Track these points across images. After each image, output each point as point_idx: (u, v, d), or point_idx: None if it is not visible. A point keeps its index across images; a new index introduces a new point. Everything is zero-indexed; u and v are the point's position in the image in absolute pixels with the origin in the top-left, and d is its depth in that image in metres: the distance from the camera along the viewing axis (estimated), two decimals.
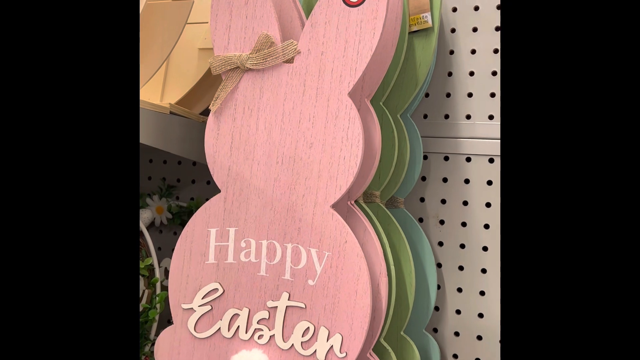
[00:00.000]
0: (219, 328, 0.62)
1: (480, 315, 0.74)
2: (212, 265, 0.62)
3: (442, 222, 0.75)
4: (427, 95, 0.75)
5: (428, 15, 0.67)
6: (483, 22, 0.72)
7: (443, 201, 0.75)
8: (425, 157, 0.75)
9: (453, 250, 0.74)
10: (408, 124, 0.70)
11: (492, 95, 0.72)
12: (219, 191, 0.63)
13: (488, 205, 0.73)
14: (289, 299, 0.59)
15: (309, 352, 0.58)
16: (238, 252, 0.62)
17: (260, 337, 0.60)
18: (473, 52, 0.73)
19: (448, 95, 0.74)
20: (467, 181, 0.74)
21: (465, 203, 0.74)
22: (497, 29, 0.72)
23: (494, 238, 0.72)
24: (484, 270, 0.73)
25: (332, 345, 0.57)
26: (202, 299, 0.62)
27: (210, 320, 0.62)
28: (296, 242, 0.59)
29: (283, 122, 0.60)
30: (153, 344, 0.72)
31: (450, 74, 0.74)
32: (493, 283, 0.73)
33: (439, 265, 0.75)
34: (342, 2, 0.57)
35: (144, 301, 0.73)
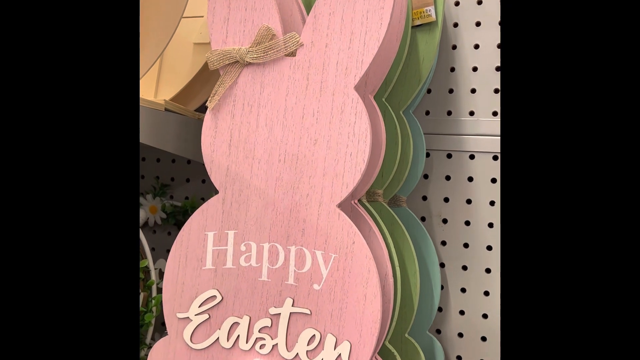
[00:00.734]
0: (218, 338, 0.59)
1: (485, 316, 0.72)
2: (209, 271, 0.59)
3: (445, 221, 0.73)
4: (429, 91, 0.73)
5: (432, 8, 0.65)
6: (486, 17, 0.70)
7: (446, 199, 0.73)
8: (427, 155, 0.73)
9: (456, 249, 0.73)
10: (411, 120, 0.68)
11: (496, 91, 0.70)
12: (214, 190, 0.60)
13: (492, 203, 0.71)
14: (293, 305, 0.56)
15: None
16: (237, 256, 0.59)
17: (262, 346, 0.57)
18: (476, 47, 0.71)
19: (451, 91, 0.72)
20: (470, 179, 0.72)
21: (468, 201, 0.72)
22: (500, 23, 0.70)
23: (498, 237, 0.71)
24: (488, 270, 0.72)
25: (340, 354, 0.54)
26: (199, 307, 0.59)
27: (207, 330, 0.59)
28: (300, 245, 0.57)
29: (285, 119, 0.57)
30: (149, 348, 0.69)
31: (453, 70, 0.72)
32: (497, 283, 0.71)
33: (442, 265, 0.74)
34: None
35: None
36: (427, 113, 0.74)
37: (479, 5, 0.71)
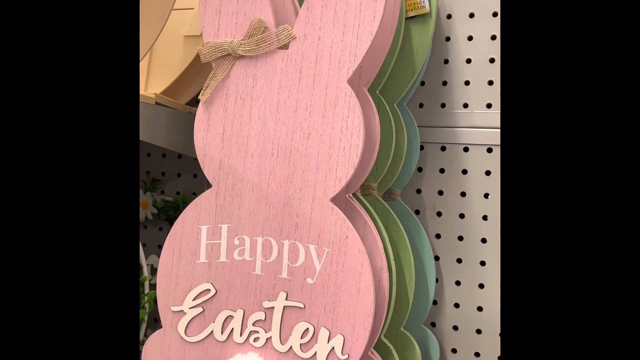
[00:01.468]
0: (212, 331, 0.58)
1: (480, 309, 0.72)
2: (203, 265, 0.59)
3: (439, 214, 0.73)
4: (422, 83, 0.73)
5: (426, 0, 0.65)
6: (480, 8, 0.70)
7: (440, 192, 0.73)
8: (421, 148, 0.73)
9: (451, 242, 0.73)
10: (405, 113, 0.68)
11: (490, 83, 0.70)
12: (206, 184, 0.60)
13: (486, 196, 0.71)
14: (286, 299, 0.56)
15: (309, 354, 0.55)
16: (231, 250, 0.58)
17: (256, 339, 0.57)
18: (470, 38, 0.71)
19: (444, 83, 0.72)
20: (464, 172, 0.72)
21: (463, 194, 0.72)
22: (494, 14, 0.70)
23: (492, 230, 0.71)
24: (482, 263, 0.72)
25: (333, 347, 0.54)
26: (193, 300, 0.59)
27: (202, 323, 0.59)
28: (293, 239, 0.56)
29: (278, 112, 0.57)
30: (142, 345, 0.68)
31: (446, 62, 0.72)
32: (492, 275, 0.71)
33: (436, 258, 0.73)
34: None
35: None
36: (421, 105, 0.73)
37: None
